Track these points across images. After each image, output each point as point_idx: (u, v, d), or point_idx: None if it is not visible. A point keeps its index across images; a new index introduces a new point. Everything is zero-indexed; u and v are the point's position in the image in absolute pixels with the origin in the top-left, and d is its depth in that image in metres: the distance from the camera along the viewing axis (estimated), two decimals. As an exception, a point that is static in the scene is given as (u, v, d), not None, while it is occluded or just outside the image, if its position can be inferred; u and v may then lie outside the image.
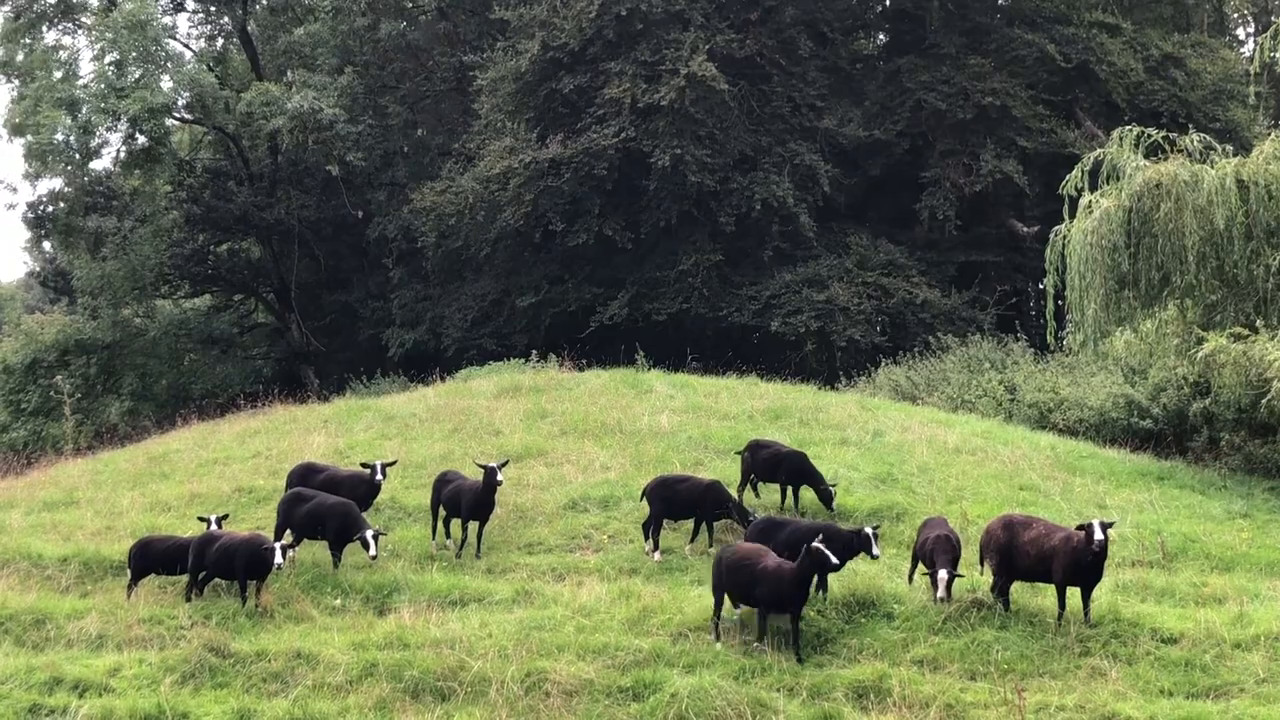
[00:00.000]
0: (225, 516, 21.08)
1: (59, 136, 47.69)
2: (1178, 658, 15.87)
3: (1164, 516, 21.93)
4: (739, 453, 23.07)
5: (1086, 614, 16.72)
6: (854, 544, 17.75)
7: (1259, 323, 24.89)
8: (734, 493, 21.65)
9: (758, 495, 22.81)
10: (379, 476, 21.50)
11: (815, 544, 16.28)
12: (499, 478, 20.76)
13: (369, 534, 19.30)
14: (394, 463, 22.78)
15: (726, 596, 17.03)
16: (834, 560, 16.47)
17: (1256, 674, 15.39)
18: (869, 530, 17.89)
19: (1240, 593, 17.89)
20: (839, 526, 18.45)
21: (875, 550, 17.76)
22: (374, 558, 19.39)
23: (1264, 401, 23.67)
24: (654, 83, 43.95)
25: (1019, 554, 17.04)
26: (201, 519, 20.88)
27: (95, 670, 16.67)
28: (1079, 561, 16.57)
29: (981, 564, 17.88)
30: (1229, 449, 26.88)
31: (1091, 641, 16.30)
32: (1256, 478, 25.60)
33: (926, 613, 17.14)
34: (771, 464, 22.19)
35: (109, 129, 49.02)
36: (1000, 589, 17.21)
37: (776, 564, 16.55)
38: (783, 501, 22.31)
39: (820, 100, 47.35)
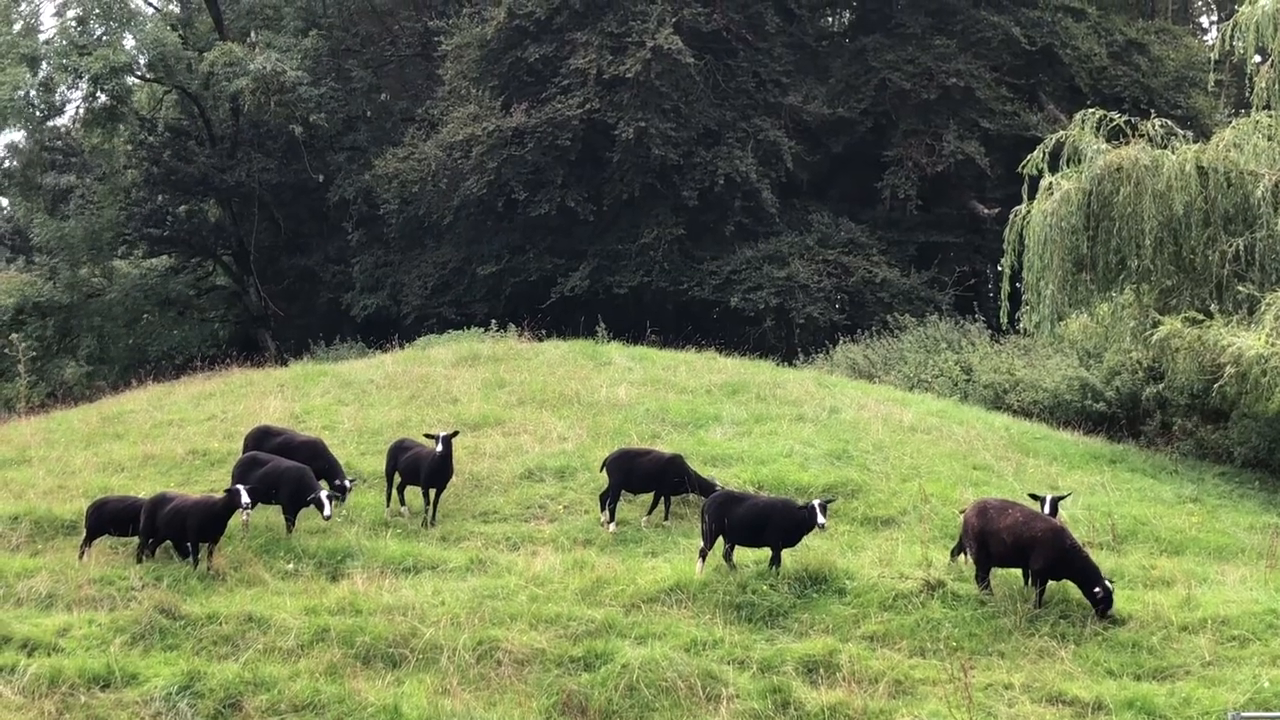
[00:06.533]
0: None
1: (19, 93, 47.01)
2: (1125, 639, 16.01)
3: (1115, 499, 22.09)
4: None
5: (1039, 598, 16.83)
6: (807, 520, 17.70)
7: (1214, 308, 25.02)
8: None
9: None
10: None
11: None
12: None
13: (323, 494, 19.29)
14: None
15: None
16: None
17: (1202, 657, 15.53)
18: (815, 502, 17.76)
19: (1188, 576, 18.05)
20: (794, 502, 18.43)
21: (821, 519, 17.55)
22: (328, 518, 19.37)
23: (1216, 387, 23.81)
24: (620, 54, 43.82)
25: (993, 539, 16.98)
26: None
27: (44, 629, 16.54)
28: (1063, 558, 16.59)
29: (961, 552, 17.93)
30: (1181, 434, 27.11)
31: (1040, 622, 16.44)
32: (1207, 463, 25.85)
33: (878, 589, 17.23)
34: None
35: (70, 87, 48.41)
36: (979, 577, 17.19)
37: None
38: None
39: (785, 76, 47.37)
